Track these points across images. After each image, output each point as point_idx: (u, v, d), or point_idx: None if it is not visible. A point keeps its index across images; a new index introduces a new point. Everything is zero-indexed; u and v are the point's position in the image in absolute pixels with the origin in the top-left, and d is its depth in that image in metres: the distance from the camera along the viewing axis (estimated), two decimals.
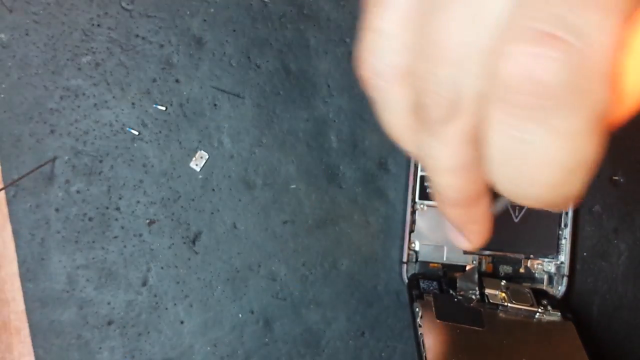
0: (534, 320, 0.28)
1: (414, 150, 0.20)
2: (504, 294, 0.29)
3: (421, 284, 0.29)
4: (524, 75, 0.14)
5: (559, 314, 0.28)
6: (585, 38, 0.13)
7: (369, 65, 0.19)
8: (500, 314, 0.28)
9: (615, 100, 0.14)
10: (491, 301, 0.28)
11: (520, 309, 0.28)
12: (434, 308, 0.27)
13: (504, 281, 0.30)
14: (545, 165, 0.15)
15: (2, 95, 0.32)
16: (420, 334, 0.25)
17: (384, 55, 0.18)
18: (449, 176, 0.19)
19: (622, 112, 0.15)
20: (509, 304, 0.28)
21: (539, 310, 0.28)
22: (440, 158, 0.19)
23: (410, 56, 0.18)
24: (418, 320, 0.26)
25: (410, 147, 0.21)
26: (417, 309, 0.27)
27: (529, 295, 0.29)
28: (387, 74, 0.19)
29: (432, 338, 0.25)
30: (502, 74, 0.14)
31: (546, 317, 0.28)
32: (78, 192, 0.32)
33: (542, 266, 0.32)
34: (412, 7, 0.17)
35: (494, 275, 0.31)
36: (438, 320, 0.26)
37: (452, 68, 0.16)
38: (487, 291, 0.29)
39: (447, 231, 0.30)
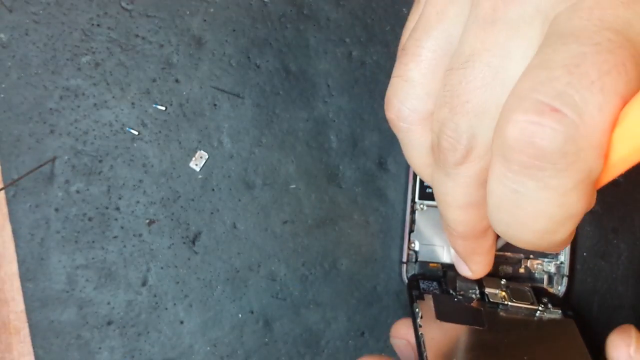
0: (535, 318, 0.28)
1: (431, 184, 0.22)
2: (504, 293, 0.29)
3: (421, 284, 0.29)
4: (524, 139, 0.15)
5: (560, 311, 0.28)
6: (583, 115, 0.14)
7: (394, 108, 0.21)
8: (501, 313, 0.28)
9: (604, 167, 0.15)
10: (491, 300, 0.28)
11: (521, 307, 0.28)
12: (434, 308, 0.27)
13: (504, 280, 0.30)
14: (535, 215, 0.16)
15: (2, 95, 0.32)
16: (421, 334, 0.25)
17: (408, 100, 0.20)
18: (458, 212, 0.21)
19: (609, 176, 0.16)
20: (510, 303, 0.28)
21: (540, 308, 0.28)
22: (452, 195, 0.20)
23: (432, 103, 0.20)
24: (418, 320, 0.26)
25: (429, 180, 0.22)
26: (417, 310, 0.27)
27: (529, 293, 0.29)
28: (410, 117, 0.20)
29: (432, 338, 0.25)
30: (505, 135, 0.15)
31: (547, 315, 0.28)
32: (78, 192, 0.32)
33: (542, 266, 0.32)
34: (438, 59, 0.19)
35: (494, 275, 0.31)
36: (438, 320, 0.26)
37: (470, 118, 0.18)
38: (487, 290, 0.29)
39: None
